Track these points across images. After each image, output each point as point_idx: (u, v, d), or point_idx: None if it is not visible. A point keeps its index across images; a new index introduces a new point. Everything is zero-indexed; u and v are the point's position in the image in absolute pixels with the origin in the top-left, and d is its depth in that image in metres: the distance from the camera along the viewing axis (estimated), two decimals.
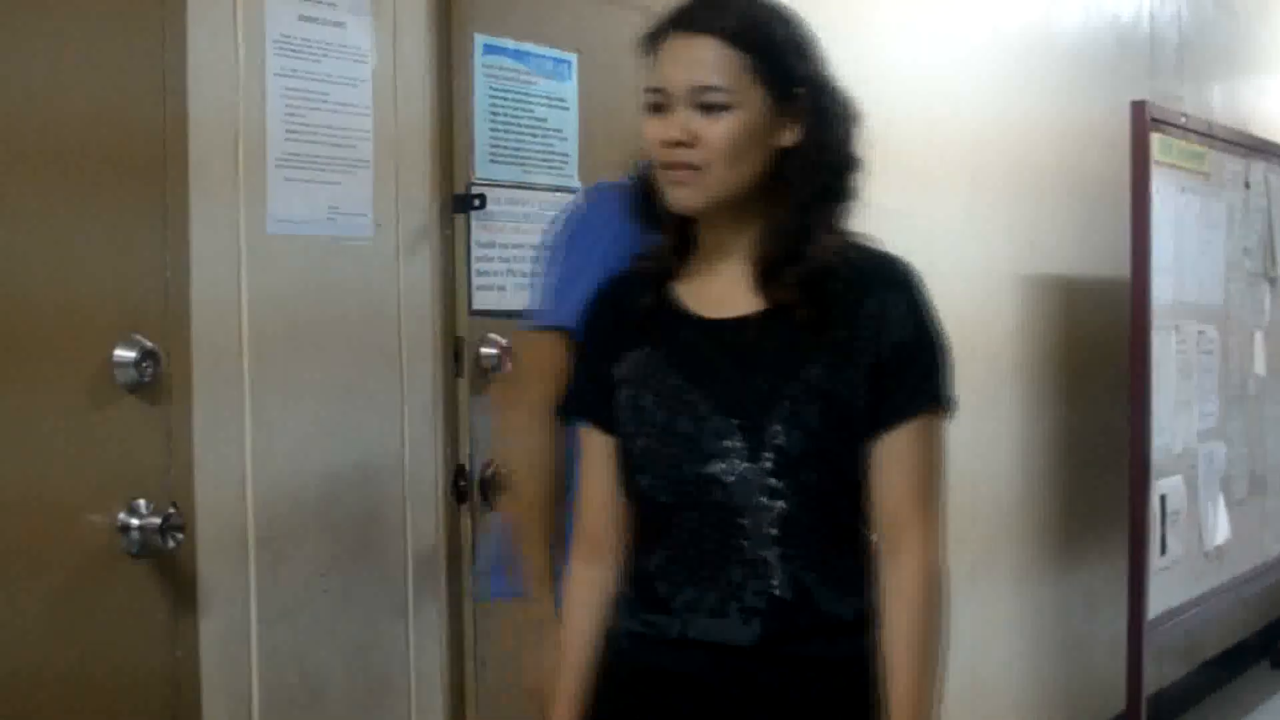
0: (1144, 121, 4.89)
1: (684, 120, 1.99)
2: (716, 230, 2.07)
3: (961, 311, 4.63)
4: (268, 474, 2.65)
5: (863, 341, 1.99)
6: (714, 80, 1.98)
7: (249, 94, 2.63)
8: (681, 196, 2.01)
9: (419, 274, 2.94)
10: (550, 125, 3.30)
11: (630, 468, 2.06)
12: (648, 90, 2.03)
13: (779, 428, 1.97)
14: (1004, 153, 4.95)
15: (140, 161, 2.47)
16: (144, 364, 2.43)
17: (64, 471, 2.36)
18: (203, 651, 2.55)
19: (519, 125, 3.19)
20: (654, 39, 2.05)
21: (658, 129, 2.01)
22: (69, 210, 2.36)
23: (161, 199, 2.49)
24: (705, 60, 1.99)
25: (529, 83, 3.25)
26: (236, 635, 2.60)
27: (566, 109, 3.35)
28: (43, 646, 2.32)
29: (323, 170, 2.75)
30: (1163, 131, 5.03)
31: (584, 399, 2.16)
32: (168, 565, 2.49)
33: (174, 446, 2.51)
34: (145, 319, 2.46)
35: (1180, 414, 5.30)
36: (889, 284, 2.03)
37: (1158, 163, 4.96)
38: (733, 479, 1.98)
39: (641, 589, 2.07)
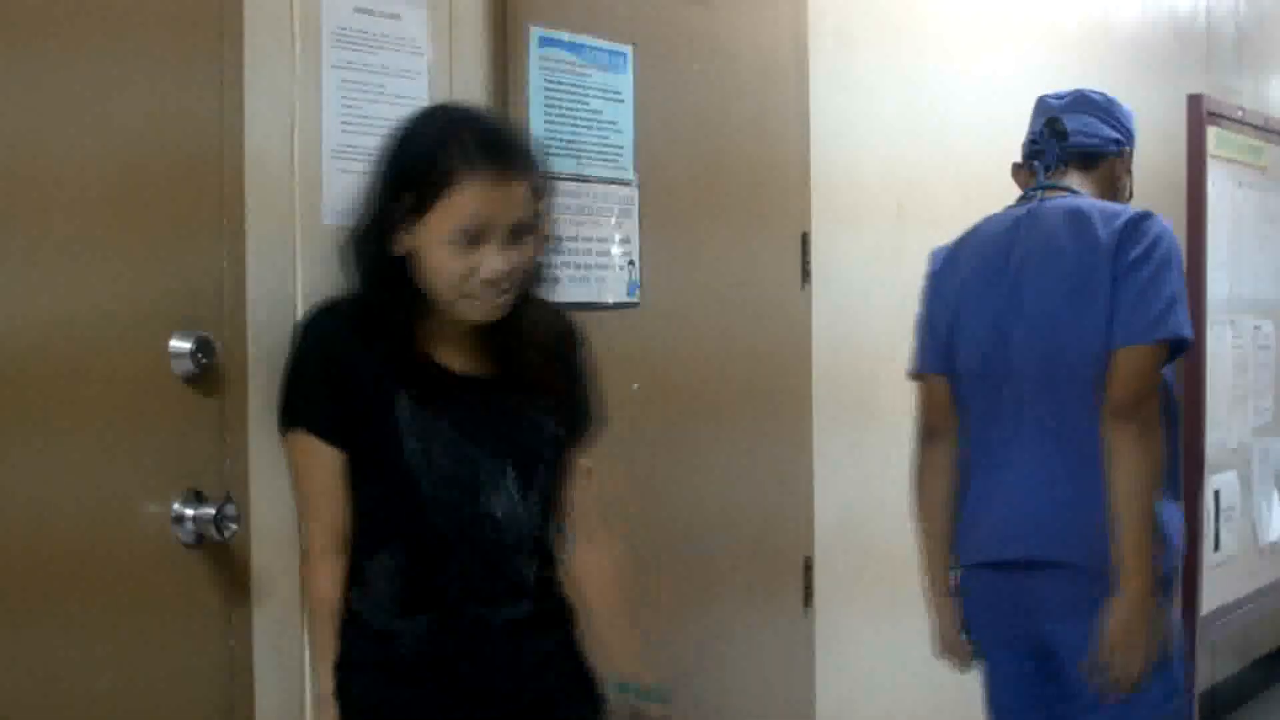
0: (1200, 115, 4.86)
1: (502, 253, 2.30)
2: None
3: None
4: None
5: (565, 390, 2.51)
6: (529, 216, 2.34)
7: (305, 86, 2.63)
8: (496, 310, 2.35)
9: None
10: (606, 118, 3.30)
11: (418, 507, 2.37)
12: (465, 228, 2.28)
13: (541, 468, 2.45)
14: None
15: (197, 152, 2.47)
16: (199, 354, 2.43)
17: (119, 461, 2.37)
18: (256, 642, 2.56)
19: (574, 117, 3.19)
20: (458, 173, 2.28)
21: (490, 266, 2.30)
22: (126, 200, 2.37)
23: (218, 190, 2.50)
24: (522, 200, 2.32)
25: (584, 75, 3.25)
26: (291, 626, 2.60)
27: (622, 101, 3.34)
28: (97, 635, 2.33)
29: None
30: (1219, 125, 5.00)
31: (320, 415, 2.40)
32: (222, 556, 2.50)
33: (229, 437, 2.52)
34: (200, 309, 2.47)
35: (1235, 409, 5.27)
36: (574, 340, 2.56)
37: (1214, 156, 4.93)
38: (504, 515, 2.40)
39: (424, 599, 2.39)
